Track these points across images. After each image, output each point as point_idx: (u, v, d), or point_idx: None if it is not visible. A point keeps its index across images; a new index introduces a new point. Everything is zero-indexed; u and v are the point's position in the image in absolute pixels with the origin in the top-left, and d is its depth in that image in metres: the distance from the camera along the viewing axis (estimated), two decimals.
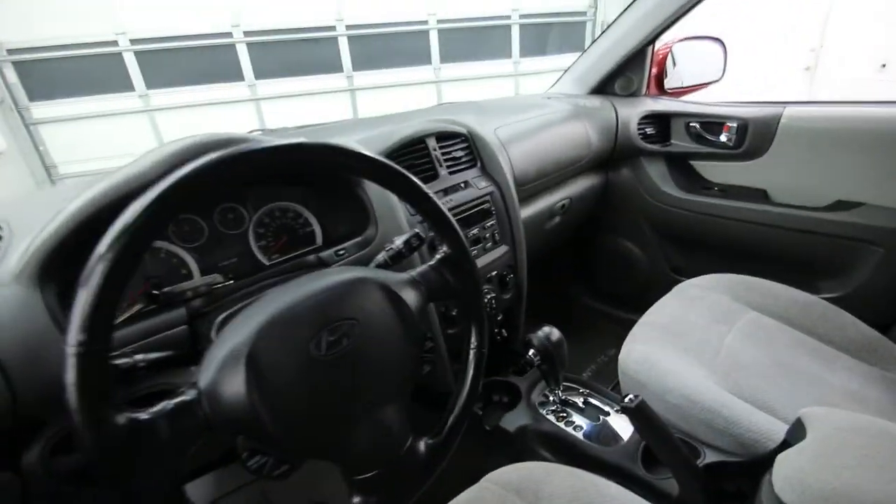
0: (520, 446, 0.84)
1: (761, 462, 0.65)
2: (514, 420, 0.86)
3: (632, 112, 1.32)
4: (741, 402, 0.80)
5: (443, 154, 0.91)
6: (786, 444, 0.61)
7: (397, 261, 0.65)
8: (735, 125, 1.22)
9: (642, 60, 1.33)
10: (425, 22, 3.85)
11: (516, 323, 1.08)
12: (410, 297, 0.52)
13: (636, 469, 0.74)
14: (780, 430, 0.70)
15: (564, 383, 0.96)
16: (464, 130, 0.96)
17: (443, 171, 0.90)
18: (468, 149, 0.97)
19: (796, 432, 0.60)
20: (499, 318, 1.04)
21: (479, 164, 0.98)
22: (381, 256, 0.68)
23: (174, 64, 3.32)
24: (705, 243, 1.35)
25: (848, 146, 1.08)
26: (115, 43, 3.13)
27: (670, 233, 1.41)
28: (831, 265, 1.15)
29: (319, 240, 0.80)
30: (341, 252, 0.73)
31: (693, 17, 1.22)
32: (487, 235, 0.95)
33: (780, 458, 0.54)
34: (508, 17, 4.00)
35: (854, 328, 0.98)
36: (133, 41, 3.17)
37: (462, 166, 0.95)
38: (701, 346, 0.94)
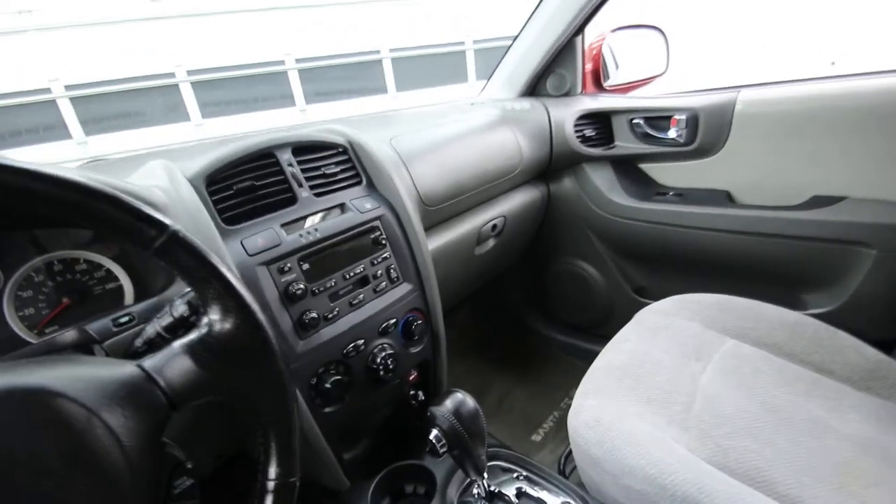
0: None
1: None
2: None
3: (566, 112, 1.14)
4: (728, 480, 0.58)
5: (306, 170, 0.69)
6: None
7: (175, 333, 0.42)
8: (684, 118, 1.04)
9: (573, 55, 1.16)
10: (377, 52, 3.77)
11: (438, 379, 0.84)
12: (128, 420, 0.28)
13: None
14: None
15: (495, 462, 0.71)
16: (340, 140, 0.75)
17: (304, 193, 0.67)
18: (348, 163, 0.75)
19: None
20: (411, 377, 0.80)
21: (363, 182, 0.76)
22: (150, 328, 0.44)
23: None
24: (668, 258, 1.15)
25: (818, 130, 0.91)
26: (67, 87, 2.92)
27: (626, 249, 1.21)
28: (817, 274, 0.96)
29: (130, 298, 0.56)
30: (123, 320, 0.49)
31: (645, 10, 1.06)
32: (380, 273, 0.72)
33: None
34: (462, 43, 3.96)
35: (855, 351, 0.78)
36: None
37: (338, 185, 0.72)
38: (669, 395, 0.72)
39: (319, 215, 0.68)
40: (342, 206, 0.71)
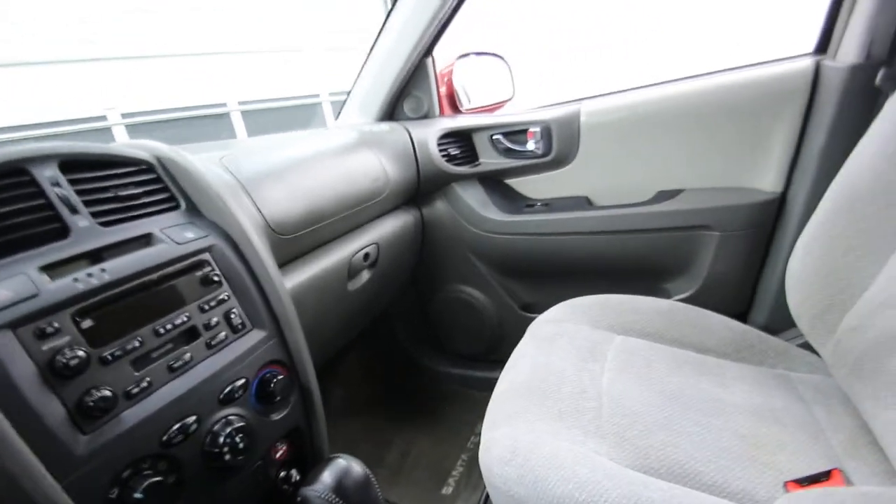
0: None
1: None
2: None
3: (427, 132, 1.09)
4: (658, 484, 0.52)
5: (85, 192, 0.49)
6: None
7: None
8: (538, 129, 1.07)
9: (426, 77, 1.14)
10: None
11: (317, 449, 0.66)
12: None
13: None
14: None
15: None
16: (143, 155, 0.57)
17: (81, 222, 0.48)
18: (156, 183, 0.57)
19: None
20: (277, 453, 0.61)
21: (182, 207, 0.58)
22: None
23: None
24: (546, 269, 1.14)
25: (652, 133, 0.99)
26: None
27: (507, 266, 1.18)
28: (674, 262, 1.02)
29: None
30: None
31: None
32: (215, 321, 0.54)
33: None
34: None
35: (722, 326, 0.83)
36: None
37: (140, 210, 0.54)
38: (578, 404, 0.67)
39: (109, 253, 0.48)
40: (148, 238, 0.52)
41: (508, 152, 1.12)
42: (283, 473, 0.62)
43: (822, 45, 0.87)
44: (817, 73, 0.85)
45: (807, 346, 0.80)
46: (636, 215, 0.99)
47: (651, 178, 1.02)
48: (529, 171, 1.12)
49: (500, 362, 1.35)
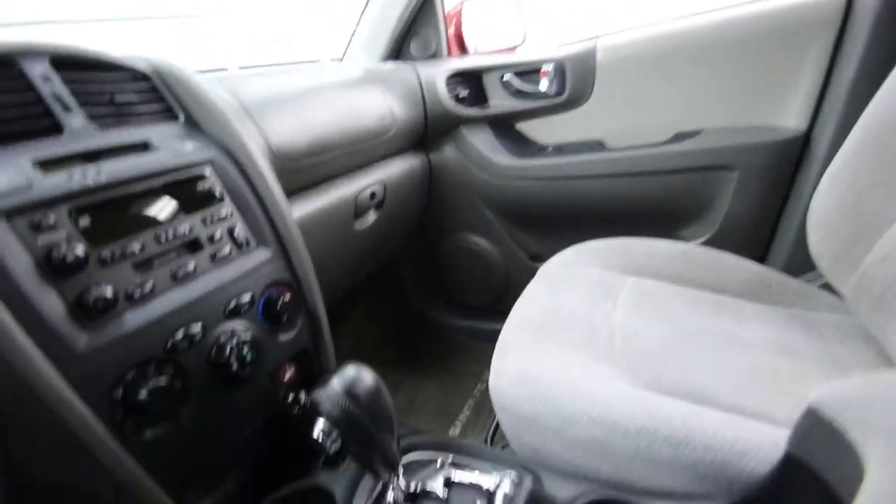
0: None
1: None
2: None
3: (436, 72, 1.05)
4: (674, 402, 0.50)
5: (80, 93, 0.47)
6: (794, 462, 0.30)
7: None
8: (552, 68, 1.02)
9: (434, 15, 1.08)
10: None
11: (325, 372, 0.65)
12: None
13: None
14: (754, 433, 0.42)
15: (411, 457, 0.55)
16: (141, 65, 0.54)
17: (76, 121, 0.45)
18: (153, 93, 0.54)
19: (809, 433, 0.30)
20: (285, 375, 0.60)
21: (180, 119, 0.56)
22: None
23: None
24: (556, 215, 1.11)
25: (671, 70, 0.95)
26: None
27: (516, 213, 1.15)
28: (691, 205, 0.99)
29: None
30: None
31: None
32: (219, 234, 0.52)
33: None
34: None
35: (740, 268, 0.81)
36: None
37: (137, 117, 0.51)
38: (590, 337, 0.66)
39: (106, 155, 0.46)
40: (146, 145, 0.50)
41: (519, 94, 1.08)
42: (291, 396, 0.61)
43: None
44: (849, 1, 0.80)
45: (826, 289, 0.78)
46: (653, 156, 0.96)
47: (669, 118, 0.98)
48: (541, 114, 1.08)
49: (505, 313, 1.35)
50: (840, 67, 0.82)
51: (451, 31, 1.15)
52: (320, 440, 0.41)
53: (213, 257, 0.51)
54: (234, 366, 0.48)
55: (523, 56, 1.08)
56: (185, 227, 0.49)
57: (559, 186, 1.05)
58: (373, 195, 0.91)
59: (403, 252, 1.28)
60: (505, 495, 0.47)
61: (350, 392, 0.42)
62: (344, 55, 1.14)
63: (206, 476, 0.53)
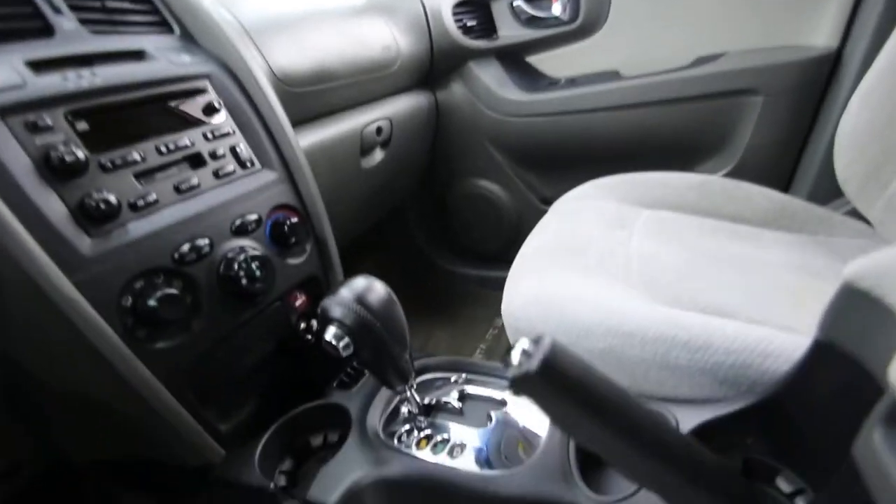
0: None
1: (791, 393, 0.33)
2: (338, 475, 0.42)
3: (442, 1, 1.00)
4: (694, 314, 0.49)
5: None
6: (823, 348, 0.30)
7: None
8: None
9: None
10: None
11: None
12: None
13: (578, 494, 0.36)
14: (777, 337, 0.41)
15: (425, 377, 0.55)
16: None
17: (67, 23, 0.43)
18: (148, 4, 0.52)
19: (842, 311, 0.28)
20: (297, 301, 0.60)
21: (176, 32, 0.53)
22: None
23: None
24: (568, 155, 1.08)
25: None
26: None
27: (527, 154, 1.11)
28: (711, 136, 0.95)
29: None
30: None
31: None
32: (221, 151, 0.51)
33: None
34: None
35: (762, 197, 0.77)
36: None
37: (130, 24, 0.49)
38: (606, 261, 0.64)
39: (100, 60, 0.44)
40: (141, 54, 0.48)
41: (530, 21, 1.02)
42: (303, 325, 0.61)
43: None
44: None
45: (850, 216, 0.75)
46: (672, 83, 0.91)
47: (689, 41, 0.92)
48: (553, 44, 1.03)
49: None
50: None
51: None
52: (333, 342, 0.40)
53: (217, 174, 0.50)
54: (244, 281, 0.47)
55: None
56: (185, 140, 0.48)
57: (572, 121, 1.01)
58: (379, 130, 0.88)
59: (411, 199, 1.26)
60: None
61: (361, 300, 0.41)
62: None
63: (225, 397, 0.54)
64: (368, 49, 0.83)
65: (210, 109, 0.51)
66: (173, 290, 0.42)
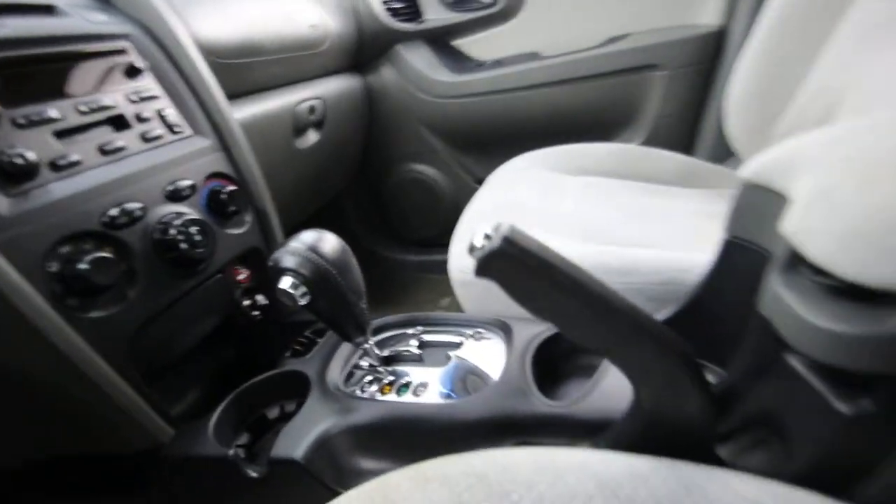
0: (330, 473, 0.40)
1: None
2: (303, 430, 0.42)
3: None
4: (624, 248, 0.54)
5: None
6: (730, 246, 0.36)
7: None
8: None
9: None
10: None
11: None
12: None
13: (537, 403, 0.38)
14: (690, 258, 0.49)
15: (382, 336, 0.55)
16: None
17: None
18: None
19: (741, 208, 0.34)
20: (239, 275, 0.57)
21: None
22: None
23: None
24: (499, 133, 1.13)
25: None
26: None
27: (459, 135, 1.15)
28: (626, 109, 1.04)
29: None
30: None
31: None
32: (147, 115, 0.48)
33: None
34: None
35: (670, 160, 0.87)
36: None
37: None
38: (543, 218, 0.69)
39: (5, 11, 0.40)
40: (50, 8, 0.44)
41: (456, 5, 1.06)
42: (247, 301, 0.59)
43: None
44: None
45: None
46: (586, 60, 0.99)
47: (600, 24, 1.00)
48: (478, 27, 1.07)
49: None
50: None
51: None
52: (290, 291, 0.40)
53: (144, 137, 0.47)
54: (183, 245, 0.45)
55: None
56: (106, 100, 0.45)
57: (500, 100, 1.06)
58: (312, 110, 0.87)
59: (347, 188, 1.25)
60: (475, 333, 0.50)
61: (314, 249, 0.41)
62: None
63: (172, 378, 0.50)
64: (295, 24, 0.82)
65: (133, 71, 0.48)
66: (103, 254, 0.39)
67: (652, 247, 0.57)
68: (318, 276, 0.41)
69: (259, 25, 0.73)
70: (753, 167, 0.34)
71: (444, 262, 1.31)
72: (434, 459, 0.28)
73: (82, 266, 0.38)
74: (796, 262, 0.26)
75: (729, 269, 0.38)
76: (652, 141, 1.02)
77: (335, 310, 0.43)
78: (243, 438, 0.48)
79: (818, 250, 0.24)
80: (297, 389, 0.50)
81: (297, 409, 0.48)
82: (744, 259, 0.36)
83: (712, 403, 0.29)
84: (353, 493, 0.28)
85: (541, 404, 0.38)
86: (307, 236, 0.43)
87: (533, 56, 1.06)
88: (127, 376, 0.42)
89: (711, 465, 0.26)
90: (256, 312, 0.59)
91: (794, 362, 0.26)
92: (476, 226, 0.53)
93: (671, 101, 0.98)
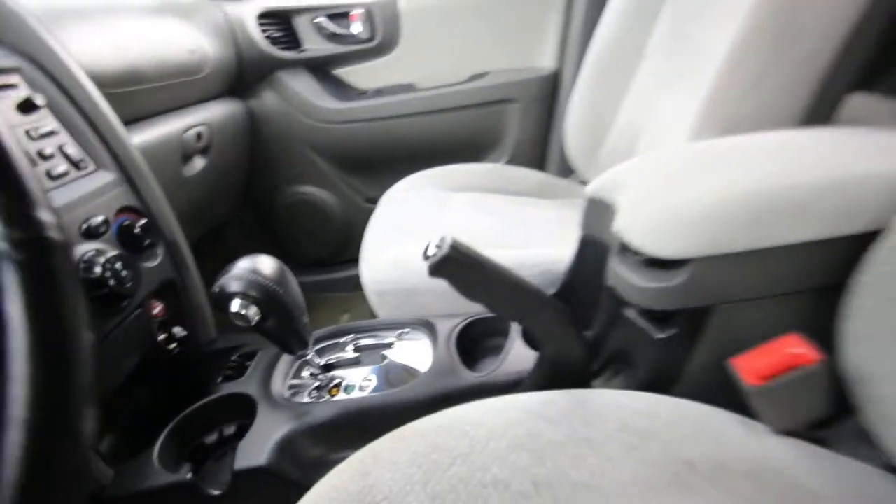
0: (297, 472, 0.44)
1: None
2: (261, 439, 0.45)
3: (243, 11, 1.02)
4: (506, 250, 0.69)
5: None
6: (583, 242, 0.51)
7: None
8: (362, 12, 1.10)
9: None
10: None
11: (195, 312, 0.63)
12: None
13: (465, 376, 0.49)
14: (560, 252, 0.63)
15: (318, 346, 0.60)
16: None
17: None
18: None
19: (587, 215, 0.49)
20: (154, 309, 0.57)
21: None
22: None
23: None
24: (383, 156, 1.22)
25: (460, 22, 1.13)
26: None
27: (345, 157, 1.22)
28: (491, 135, 1.22)
29: None
30: None
31: None
32: (49, 151, 0.46)
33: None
34: None
35: (531, 176, 1.06)
36: None
37: None
38: (442, 229, 0.80)
39: None
40: None
41: (333, 37, 1.13)
42: (163, 335, 0.58)
43: None
44: None
45: (584, 184, 1.09)
46: (455, 93, 1.14)
47: (463, 62, 1.17)
48: (357, 59, 1.16)
49: (352, 260, 1.40)
50: (574, 17, 1.13)
51: None
52: (242, 312, 0.43)
53: (50, 175, 0.46)
54: (112, 282, 0.45)
55: (330, 0, 1.12)
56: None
57: (383, 126, 1.16)
58: (199, 136, 0.85)
59: (231, 215, 1.21)
60: (402, 333, 0.58)
61: (257, 271, 0.45)
62: None
63: (102, 419, 0.48)
64: (176, 50, 0.81)
65: (27, 106, 0.46)
66: None
67: (529, 247, 0.72)
68: (266, 295, 0.45)
69: (139, 51, 0.72)
70: (593, 187, 0.50)
71: (342, 280, 1.38)
72: (405, 425, 0.36)
73: None
74: (624, 249, 0.41)
75: (585, 258, 0.54)
76: (514, 160, 1.22)
77: (283, 326, 0.47)
78: (186, 468, 0.49)
79: (634, 240, 0.38)
80: (237, 412, 0.52)
81: (239, 430, 0.50)
82: (594, 250, 0.51)
83: (588, 350, 0.42)
84: (342, 465, 0.34)
85: (468, 377, 0.48)
86: (245, 262, 0.47)
87: (410, 87, 1.18)
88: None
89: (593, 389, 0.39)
90: (174, 345, 0.59)
91: (629, 313, 0.41)
92: (381, 241, 0.62)
93: (525, 128, 1.19)
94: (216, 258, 1.27)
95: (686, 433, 0.33)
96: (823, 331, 0.34)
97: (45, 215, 0.22)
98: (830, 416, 0.34)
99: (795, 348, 0.31)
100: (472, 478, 0.30)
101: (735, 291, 0.36)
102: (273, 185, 1.21)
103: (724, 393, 0.34)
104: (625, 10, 0.87)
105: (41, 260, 0.21)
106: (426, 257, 0.34)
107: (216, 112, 0.94)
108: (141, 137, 0.70)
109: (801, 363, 0.31)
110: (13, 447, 0.19)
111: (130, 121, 0.70)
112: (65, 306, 0.21)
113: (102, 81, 0.62)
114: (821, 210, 0.34)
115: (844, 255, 0.34)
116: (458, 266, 0.34)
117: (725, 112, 0.55)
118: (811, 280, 0.36)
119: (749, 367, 0.32)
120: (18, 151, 0.23)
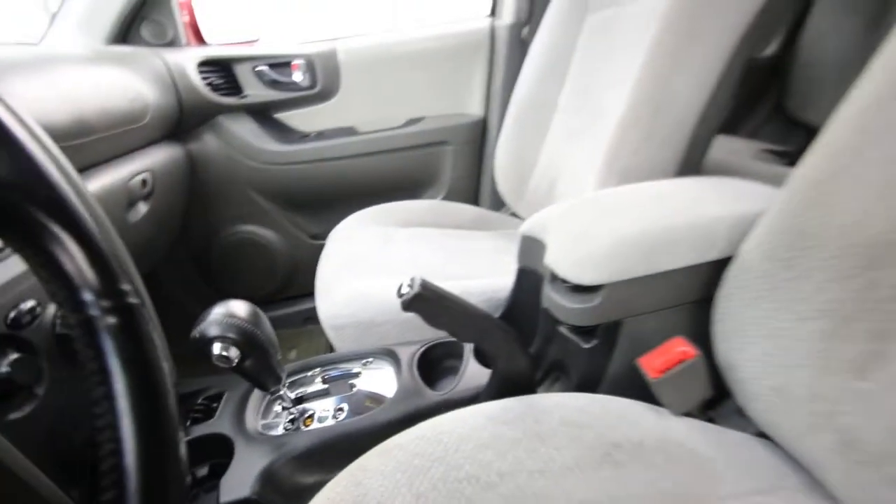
0: (281, 499, 0.48)
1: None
2: (244, 473, 0.48)
3: (183, 58, 1.04)
4: (453, 281, 0.77)
5: None
6: (521, 272, 0.61)
7: None
8: (302, 62, 1.17)
9: (166, 2, 1.06)
10: None
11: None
12: None
13: (429, 395, 0.55)
14: (500, 281, 0.71)
15: (289, 380, 0.63)
16: None
17: None
18: None
19: (523, 250, 0.58)
20: None
21: None
22: None
23: None
24: (326, 195, 1.28)
25: (396, 72, 1.24)
26: None
27: (289, 197, 1.25)
28: (428, 173, 1.32)
29: None
30: None
31: None
32: None
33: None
34: None
35: (470, 211, 1.17)
36: None
37: None
38: (384, 265, 0.87)
39: None
40: None
41: (274, 84, 1.17)
42: None
43: (493, 10, 1.28)
44: (492, 29, 1.26)
45: (515, 216, 1.21)
46: (392, 137, 1.24)
47: (401, 108, 1.27)
48: (298, 104, 1.21)
49: (298, 296, 1.42)
50: (495, 72, 1.27)
51: (187, 19, 1.13)
52: (223, 353, 0.47)
53: None
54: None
55: (271, 49, 1.18)
56: None
57: (325, 167, 1.22)
58: (144, 183, 0.86)
59: (168, 259, 1.19)
60: (367, 363, 0.64)
61: (232, 314, 0.49)
62: (44, 37, 0.98)
63: (79, 466, 0.48)
64: (119, 101, 0.82)
65: None
66: (19, 354, 0.40)
67: (473, 278, 0.81)
68: (244, 336, 0.49)
69: (88, 100, 0.72)
70: (526, 227, 0.60)
71: (289, 316, 1.39)
72: (387, 440, 0.42)
73: (3, 369, 0.38)
74: (554, 278, 0.51)
75: (523, 286, 0.64)
76: (450, 196, 1.33)
77: (260, 364, 0.51)
78: None
79: (562, 271, 0.48)
80: (209, 452, 0.54)
81: (212, 471, 0.53)
82: (530, 279, 0.61)
83: (532, 363, 0.51)
84: (336, 480, 0.40)
85: (432, 396, 0.55)
86: (219, 308, 0.50)
87: (350, 130, 1.26)
88: (52, 476, 0.41)
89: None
90: None
91: (562, 329, 0.51)
92: (334, 277, 0.69)
93: (459, 167, 1.31)
94: (153, 300, 1.23)
95: (612, 422, 0.42)
96: (703, 333, 0.46)
97: (125, 285, 0.26)
98: (714, 398, 0.45)
99: (680, 347, 0.42)
100: (448, 476, 0.37)
101: (638, 307, 0.47)
102: (211, 226, 1.21)
103: (637, 387, 0.44)
104: (540, 68, 1.02)
105: (128, 322, 0.25)
106: (400, 295, 0.41)
107: (158, 157, 0.94)
108: (89, 186, 0.70)
109: (684, 358, 0.41)
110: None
111: (79, 171, 0.70)
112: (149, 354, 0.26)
113: (54, 135, 0.63)
114: (690, 243, 0.46)
115: (710, 275, 0.47)
116: (426, 301, 0.41)
117: (622, 164, 0.69)
118: (690, 295, 0.48)
119: (650, 364, 0.42)
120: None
